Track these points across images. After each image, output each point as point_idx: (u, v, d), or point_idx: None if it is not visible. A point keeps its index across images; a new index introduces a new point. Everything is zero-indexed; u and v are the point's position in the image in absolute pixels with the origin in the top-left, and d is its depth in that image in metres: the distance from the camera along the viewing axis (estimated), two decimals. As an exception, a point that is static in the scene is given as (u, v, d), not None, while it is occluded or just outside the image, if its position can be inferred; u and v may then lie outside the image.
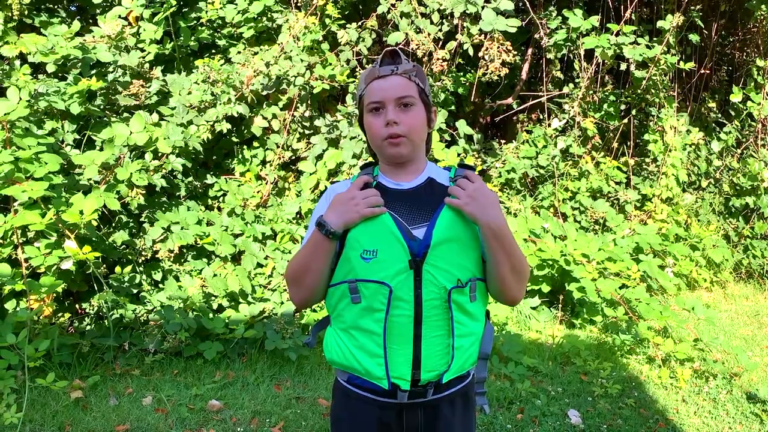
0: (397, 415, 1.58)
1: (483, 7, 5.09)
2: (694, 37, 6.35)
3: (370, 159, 1.74)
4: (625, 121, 6.43)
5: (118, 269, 4.40)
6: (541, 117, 6.71)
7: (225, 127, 4.85)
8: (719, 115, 7.24)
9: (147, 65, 5.00)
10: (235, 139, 5.41)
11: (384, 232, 1.50)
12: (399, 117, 1.53)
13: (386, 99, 1.53)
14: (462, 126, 5.82)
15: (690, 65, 6.04)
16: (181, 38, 5.23)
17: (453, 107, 6.07)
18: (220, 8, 5.36)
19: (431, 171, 1.64)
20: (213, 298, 4.44)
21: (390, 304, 1.47)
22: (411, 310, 1.48)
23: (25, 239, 3.88)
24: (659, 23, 5.93)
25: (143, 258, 4.62)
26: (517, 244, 1.55)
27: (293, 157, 5.53)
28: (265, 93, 5.17)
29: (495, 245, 1.50)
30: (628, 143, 6.52)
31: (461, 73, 6.23)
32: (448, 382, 1.57)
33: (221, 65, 5.05)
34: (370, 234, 1.50)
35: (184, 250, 4.76)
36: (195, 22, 5.50)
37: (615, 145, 6.53)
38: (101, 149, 4.36)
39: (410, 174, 1.61)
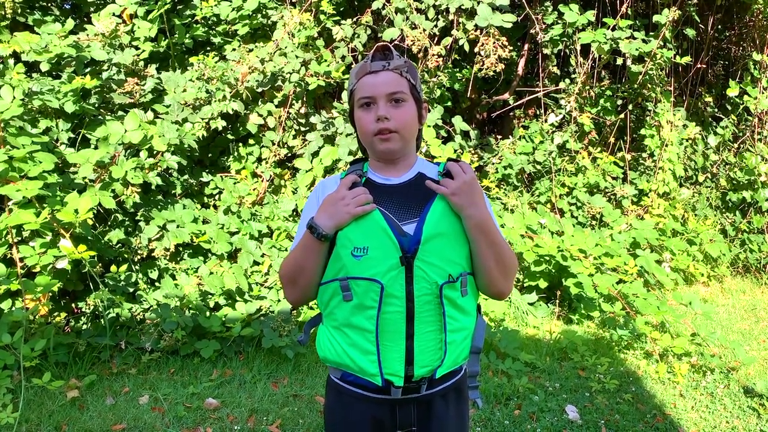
0: (390, 411, 1.58)
1: (479, 3, 5.08)
2: (690, 32, 6.34)
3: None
4: (622, 116, 6.42)
5: (113, 268, 4.39)
6: (538, 113, 6.70)
7: (220, 124, 4.83)
8: (716, 110, 7.23)
9: (141, 63, 4.98)
10: (230, 137, 5.40)
11: (374, 229, 1.49)
12: (390, 112, 1.52)
13: (377, 94, 1.52)
14: (458, 122, 5.81)
15: (686, 60, 6.03)
16: (176, 36, 5.22)
17: (449, 103, 6.07)
18: (215, 5, 5.35)
19: (421, 166, 1.64)
20: (209, 296, 4.43)
21: (382, 301, 1.47)
22: (403, 307, 1.48)
23: (20, 238, 3.87)
24: (655, 17, 5.92)
25: (139, 256, 4.61)
26: (503, 237, 1.56)
27: (289, 155, 5.52)
28: (260, 90, 5.16)
29: (479, 237, 1.51)
30: (625, 138, 6.52)
31: (457, 69, 6.22)
32: (441, 377, 1.57)
33: (216, 62, 5.03)
34: (361, 231, 1.49)
35: (180, 249, 4.75)
36: (190, 19, 5.48)
37: (612, 140, 6.52)
38: (96, 147, 4.34)
39: (400, 169, 1.61)
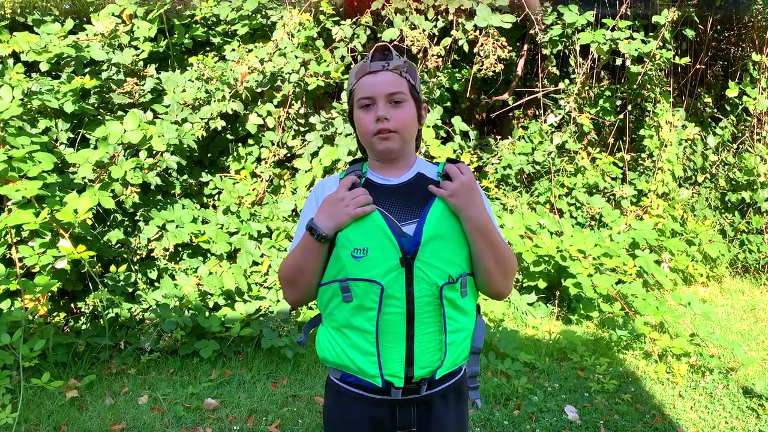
0: (390, 412, 1.58)
1: (478, 3, 5.08)
2: (689, 32, 6.35)
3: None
4: (621, 116, 6.42)
5: (113, 268, 4.39)
6: (537, 113, 6.70)
7: (220, 124, 4.84)
8: (715, 110, 7.24)
9: (141, 63, 4.98)
10: (229, 137, 5.40)
11: (374, 230, 1.49)
12: (389, 113, 1.52)
13: (377, 95, 1.52)
14: (457, 122, 5.82)
15: (685, 60, 6.03)
16: (175, 36, 5.22)
17: (448, 104, 6.07)
18: (215, 5, 5.35)
19: (420, 166, 1.64)
20: (209, 296, 4.43)
21: (382, 302, 1.46)
22: (403, 308, 1.48)
23: (19, 238, 3.87)
24: (654, 18, 5.93)
25: (138, 257, 4.61)
26: (502, 238, 1.55)
27: (288, 155, 5.52)
28: (259, 90, 5.16)
29: (478, 239, 1.51)
30: (624, 139, 6.52)
31: (456, 70, 6.22)
32: (441, 377, 1.57)
33: (215, 62, 5.03)
34: (361, 232, 1.49)
35: (180, 249, 4.75)
36: (189, 19, 5.48)
37: (611, 140, 6.52)
38: (95, 147, 4.34)
39: (399, 170, 1.61)
